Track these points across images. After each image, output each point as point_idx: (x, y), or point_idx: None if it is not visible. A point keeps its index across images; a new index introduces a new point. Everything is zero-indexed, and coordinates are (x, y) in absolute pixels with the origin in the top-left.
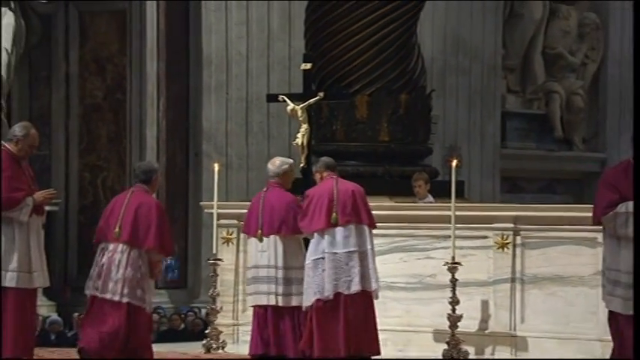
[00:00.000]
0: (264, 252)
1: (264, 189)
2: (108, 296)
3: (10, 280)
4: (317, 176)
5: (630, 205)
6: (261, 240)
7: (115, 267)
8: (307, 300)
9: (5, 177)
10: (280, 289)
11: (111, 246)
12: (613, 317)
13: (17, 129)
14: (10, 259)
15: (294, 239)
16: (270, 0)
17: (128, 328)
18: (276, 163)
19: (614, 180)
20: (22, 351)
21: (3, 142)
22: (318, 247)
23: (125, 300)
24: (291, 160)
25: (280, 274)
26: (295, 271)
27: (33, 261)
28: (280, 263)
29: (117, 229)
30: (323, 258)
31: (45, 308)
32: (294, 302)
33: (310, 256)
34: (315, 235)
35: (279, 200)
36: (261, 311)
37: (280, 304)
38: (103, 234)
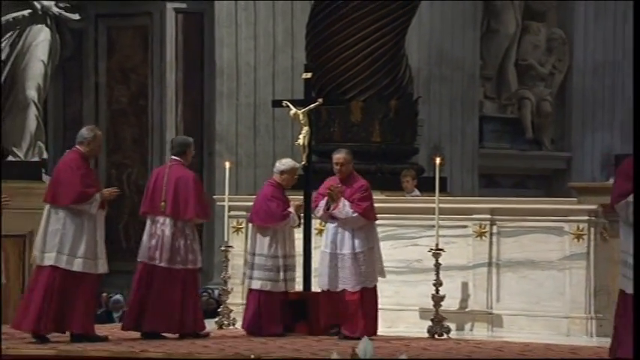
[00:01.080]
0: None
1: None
2: (163, 264)
3: (77, 265)
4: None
5: None
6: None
7: (167, 238)
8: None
9: (80, 175)
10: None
11: (160, 219)
12: (622, 297)
13: (85, 132)
14: (79, 247)
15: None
16: (275, 17)
17: (183, 292)
18: (282, 161)
19: (627, 171)
20: (86, 328)
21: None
22: None
23: (181, 266)
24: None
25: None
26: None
27: (98, 249)
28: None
29: (162, 203)
30: None
31: None
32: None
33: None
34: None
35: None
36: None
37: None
38: (149, 207)
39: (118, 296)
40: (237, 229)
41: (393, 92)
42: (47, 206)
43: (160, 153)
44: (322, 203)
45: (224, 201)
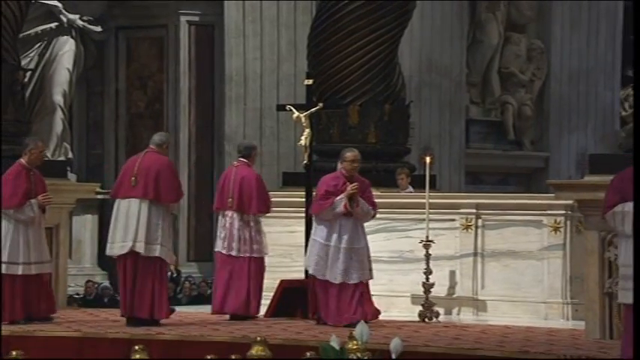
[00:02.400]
0: None
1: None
2: (233, 253)
3: (160, 251)
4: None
5: (627, 205)
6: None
7: (235, 230)
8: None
9: (174, 173)
10: None
11: (229, 213)
12: (628, 310)
13: (163, 137)
14: (157, 236)
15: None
16: (279, 29)
17: (249, 277)
18: None
19: (619, 183)
20: (165, 313)
21: (151, 146)
22: None
23: (247, 255)
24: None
25: None
26: None
27: (171, 239)
28: None
29: (230, 199)
30: None
31: (99, 277)
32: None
33: None
34: None
35: None
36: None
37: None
38: (220, 204)
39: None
40: None
41: (387, 97)
42: (139, 201)
43: (174, 153)
44: (339, 202)
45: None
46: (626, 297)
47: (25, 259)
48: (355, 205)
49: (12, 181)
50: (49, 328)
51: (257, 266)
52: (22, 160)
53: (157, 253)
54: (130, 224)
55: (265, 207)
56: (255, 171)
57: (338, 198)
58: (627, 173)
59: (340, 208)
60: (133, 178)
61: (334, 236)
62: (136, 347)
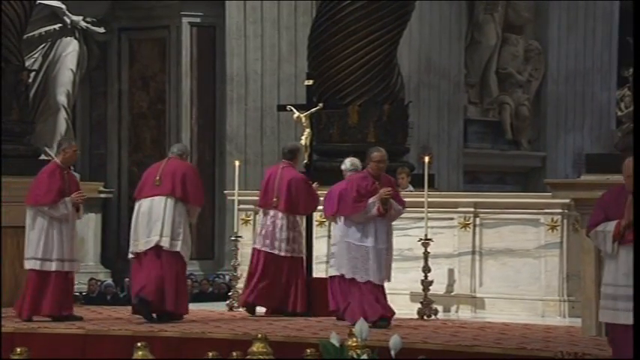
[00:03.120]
0: None
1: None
2: (275, 252)
3: (180, 248)
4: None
5: (610, 225)
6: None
7: (278, 230)
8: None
9: (200, 178)
10: None
11: (272, 212)
12: (626, 331)
13: (182, 147)
14: (179, 232)
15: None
16: (280, 30)
17: (287, 275)
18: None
19: (604, 202)
20: (182, 309)
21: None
22: None
23: (289, 254)
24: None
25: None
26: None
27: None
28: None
29: (275, 199)
30: None
31: (102, 274)
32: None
33: None
34: None
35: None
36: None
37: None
38: (263, 201)
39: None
40: (246, 221)
41: (386, 98)
42: (165, 198)
43: None
44: (372, 205)
45: (234, 196)
46: (614, 317)
47: (59, 255)
48: (389, 207)
49: (47, 178)
50: (53, 325)
51: (297, 265)
52: (57, 160)
53: (178, 249)
54: (155, 220)
55: (312, 209)
56: (301, 173)
57: (371, 201)
58: (614, 191)
59: (374, 211)
60: (157, 178)
61: (370, 238)
62: (139, 344)
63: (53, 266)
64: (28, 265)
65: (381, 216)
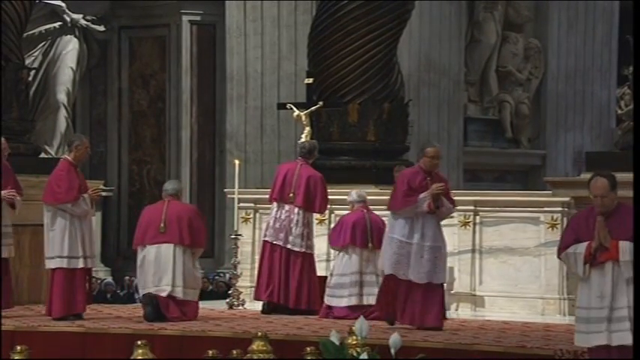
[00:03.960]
0: None
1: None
2: (289, 246)
3: (194, 296)
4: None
5: (580, 246)
6: None
7: (294, 224)
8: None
9: (204, 219)
10: None
11: (287, 206)
12: (589, 353)
13: (176, 185)
14: (192, 280)
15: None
16: (280, 29)
17: (302, 271)
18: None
19: (575, 224)
20: None
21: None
22: None
23: (302, 250)
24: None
25: None
26: None
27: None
28: None
29: (292, 194)
30: None
31: (102, 273)
32: None
33: None
34: None
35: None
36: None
37: None
38: (278, 195)
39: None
40: (246, 219)
41: (386, 96)
42: (173, 246)
43: (176, 151)
44: (423, 201)
45: (234, 194)
46: (586, 340)
47: (83, 252)
48: (440, 205)
49: (66, 176)
50: (53, 323)
51: (309, 262)
52: (68, 157)
53: (190, 297)
54: (164, 269)
55: (325, 207)
56: (318, 172)
57: (422, 196)
58: (584, 213)
59: (424, 207)
60: (161, 225)
61: (416, 235)
62: (139, 342)
63: (80, 263)
64: (53, 264)
65: (431, 213)
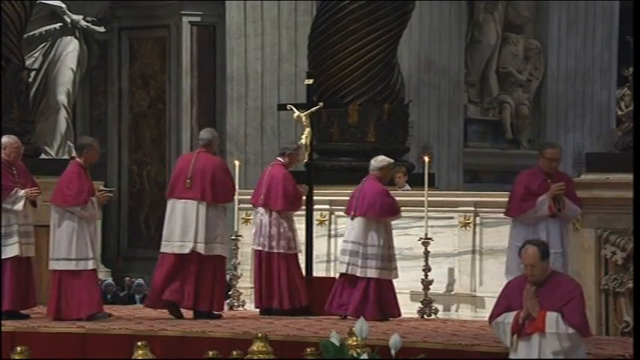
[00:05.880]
0: (353, 230)
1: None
2: (266, 249)
3: (219, 250)
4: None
5: (509, 316)
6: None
7: (264, 227)
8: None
9: (228, 173)
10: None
11: (260, 210)
12: None
13: (209, 135)
14: (216, 235)
15: (377, 221)
16: (280, 29)
17: (287, 272)
18: (378, 159)
19: (508, 292)
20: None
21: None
22: None
23: (279, 251)
24: (391, 160)
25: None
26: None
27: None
28: (362, 240)
29: (262, 197)
30: None
31: (102, 274)
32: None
33: None
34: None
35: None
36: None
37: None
38: (254, 200)
39: (140, 280)
40: (246, 220)
41: (387, 97)
42: (197, 203)
43: (177, 151)
44: (542, 204)
45: (234, 195)
46: None
47: (93, 254)
48: (563, 206)
49: (77, 179)
50: (53, 324)
51: (287, 262)
52: (79, 160)
53: (217, 252)
54: (189, 225)
55: (290, 205)
56: (285, 170)
57: (540, 199)
58: (519, 280)
59: (544, 210)
60: (188, 180)
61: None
62: (139, 343)
63: (90, 264)
64: (58, 265)
65: (553, 216)
